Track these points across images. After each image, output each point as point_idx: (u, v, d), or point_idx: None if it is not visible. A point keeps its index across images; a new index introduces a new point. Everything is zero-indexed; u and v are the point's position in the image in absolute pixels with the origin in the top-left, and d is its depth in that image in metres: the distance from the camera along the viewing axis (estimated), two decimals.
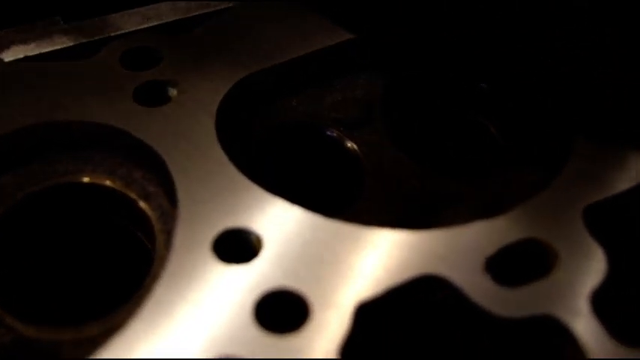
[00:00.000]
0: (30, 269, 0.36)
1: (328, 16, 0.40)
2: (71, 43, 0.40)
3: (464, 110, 0.40)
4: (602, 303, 0.29)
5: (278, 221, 0.32)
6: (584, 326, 0.29)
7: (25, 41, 0.40)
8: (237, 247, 0.31)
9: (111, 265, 0.37)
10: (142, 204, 0.35)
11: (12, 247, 0.35)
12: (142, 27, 0.41)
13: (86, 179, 0.36)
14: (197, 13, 0.42)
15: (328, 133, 0.38)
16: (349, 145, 0.37)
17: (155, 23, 0.41)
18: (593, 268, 0.30)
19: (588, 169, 0.34)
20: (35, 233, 0.36)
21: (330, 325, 0.29)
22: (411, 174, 0.36)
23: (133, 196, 0.35)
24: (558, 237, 0.31)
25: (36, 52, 0.40)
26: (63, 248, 0.37)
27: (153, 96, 0.37)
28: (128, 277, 0.33)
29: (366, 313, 0.29)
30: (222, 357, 0.28)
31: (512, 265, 0.30)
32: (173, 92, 0.37)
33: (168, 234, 0.33)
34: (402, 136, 0.38)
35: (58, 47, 0.40)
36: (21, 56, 0.40)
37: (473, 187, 0.35)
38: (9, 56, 0.40)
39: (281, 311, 0.29)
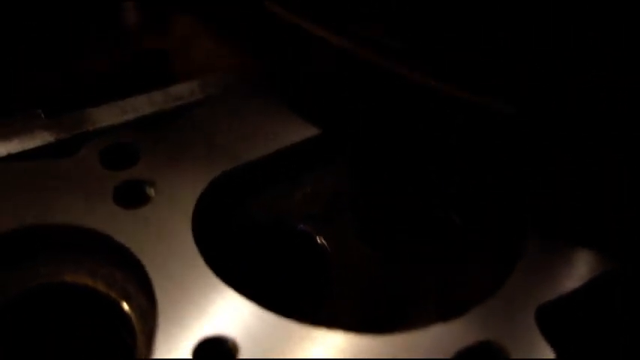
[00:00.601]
0: None
1: (298, 111, 0.42)
2: (52, 139, 0.42)
3: (430, 204, 0.42)
4: None
5: (252, 327, 0.34)
6: None
7: (6, 137, 0.42)
8: (216, 354, 0.33)
9: None
10: (124, 305, 0.37)
11: None
12: (120, 121, 0.43)
13: (68, 280, 0.38)
14: (173, 105, 0.44)
15: (299, 228, 0.40)
16: (319, 240, 0.40)
17: (132, 117, 0.43)
18: None
19: (540, 267, 0.36)
20: (18, 335, 0.38)
21: None
22: (377, 270, 0.38)
23: (114, 296, 0.37)
24: (511, 338, 0.33)
25: (18, 149, 0.41)
26: (46, 350, 0.38)
27: (132, 196, 0.39)
28: None
29: None
30: None
31: None
32: (151, 192, 0.39)
33: (149, 334, 0.35)
34: (369, 230, 0.40)
35: (39, 144, 0.42)
36: (4, 154, 0.41)
37: (437, 282, 0.38)
38: None
39: None
